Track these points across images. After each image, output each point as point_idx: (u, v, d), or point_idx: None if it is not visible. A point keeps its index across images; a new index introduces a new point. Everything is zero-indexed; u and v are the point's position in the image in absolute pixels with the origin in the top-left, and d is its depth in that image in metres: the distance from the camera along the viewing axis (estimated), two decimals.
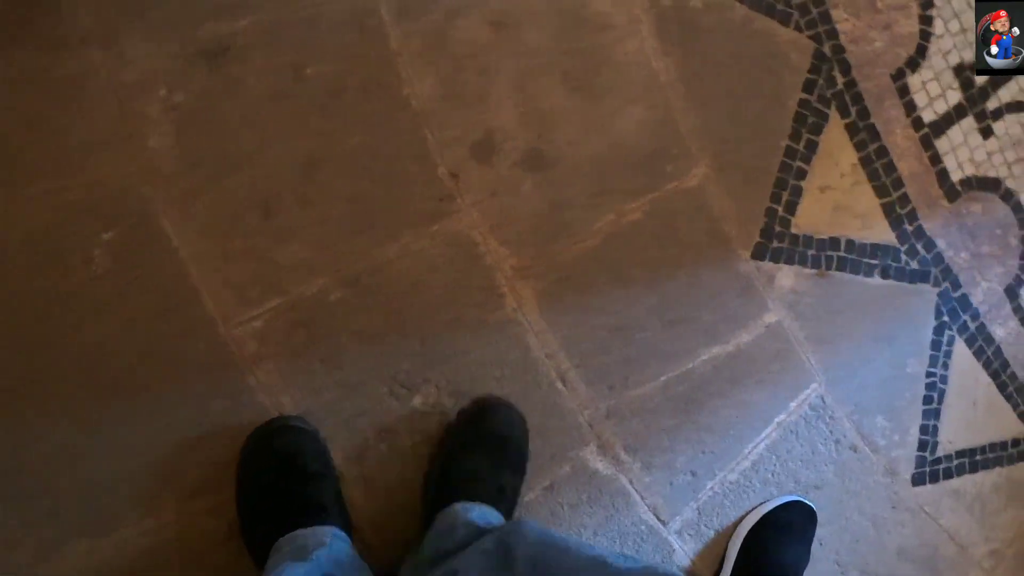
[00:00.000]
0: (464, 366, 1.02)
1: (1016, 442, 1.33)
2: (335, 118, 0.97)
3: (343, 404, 0.96)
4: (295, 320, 0.95)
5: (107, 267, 0.90)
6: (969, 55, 1.27)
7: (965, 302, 1.28)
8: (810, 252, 1.18)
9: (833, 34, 1.19)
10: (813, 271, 1.18)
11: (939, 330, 1.26)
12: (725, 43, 1.14)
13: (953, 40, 1.26)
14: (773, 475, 1.17)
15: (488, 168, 1.03)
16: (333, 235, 0.97)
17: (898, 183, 1.23)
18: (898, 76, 1.23)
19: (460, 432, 0.99)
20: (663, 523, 1.11)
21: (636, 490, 1.10)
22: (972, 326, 1.28)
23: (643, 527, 1.10)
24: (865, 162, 1.21)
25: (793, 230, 1.17)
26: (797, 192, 1.17)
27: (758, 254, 1.15)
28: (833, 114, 1.19)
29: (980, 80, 1.28)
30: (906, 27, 1.24)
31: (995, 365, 1.31)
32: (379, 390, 0.98)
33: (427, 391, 1.00)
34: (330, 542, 0.84)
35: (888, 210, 1.23)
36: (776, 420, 1.17)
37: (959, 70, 1.27)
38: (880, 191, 1.22)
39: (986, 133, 1.28)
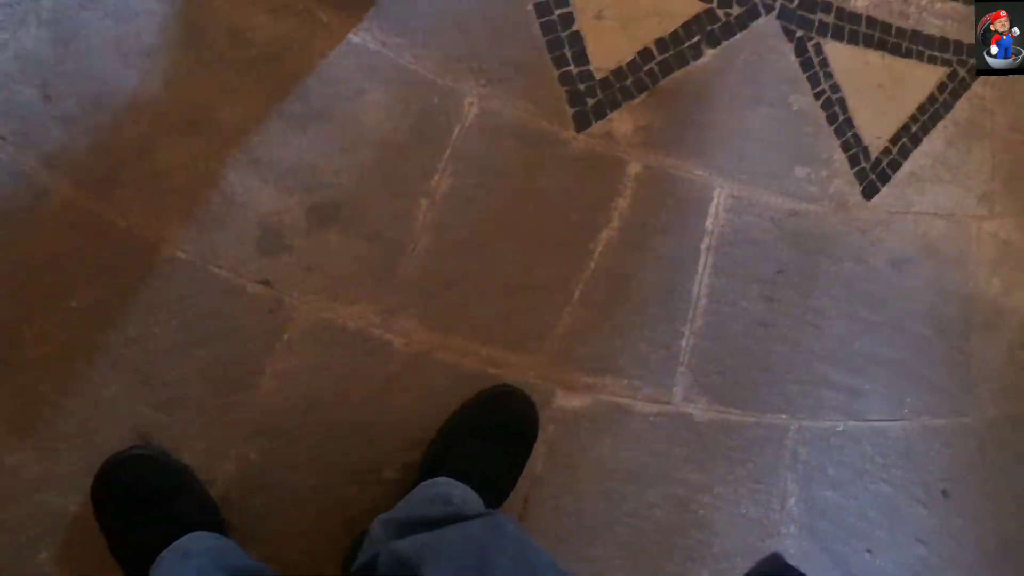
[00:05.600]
0: (402, 425, 0.91)
1: (941, 87, 1.10)
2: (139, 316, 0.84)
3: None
4: (249, 489, 0.86)
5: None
6: None
7: (808, 3, 1.03)
8: (628, 82, 0.96)
9: None
10: (643, 96, 0.97)
11: (800, 48, 1.03)
12: None
13: None
14: (733, 290, 1.02)
15: (287, 253, 0.87)
16: (213, 421, 0.85)
17: None
18: None
19: (472, 414, 0.89)
20: (668, 403, 0.99)
21: (623, 396, 0.98)
22: (830, 19, 1.04)
23: (652, 418, 0.99)
24: None
25: (598, 75, 0.95)
26: (577, 40, 0.94)
27: (582, 123, 0.95)
28: None
29: None
30: None
31: (875, 35, 1.06)
32: (347, 491, 0.89)
33: (393, 461, 0.90)
34: (215, 543, 0.77)
35: None
36: (703, 247, 1.00)
37: None
38: None
39: None
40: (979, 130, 1.11)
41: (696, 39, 0.98)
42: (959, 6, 1.09)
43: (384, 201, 0.89)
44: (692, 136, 0.99)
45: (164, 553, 0.75)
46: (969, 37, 1.10)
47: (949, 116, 1.09)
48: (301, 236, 0.87)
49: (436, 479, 0.83)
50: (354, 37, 0.88)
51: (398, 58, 0.89)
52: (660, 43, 0.97)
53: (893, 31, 1.06)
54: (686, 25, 0.98)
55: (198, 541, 0.76)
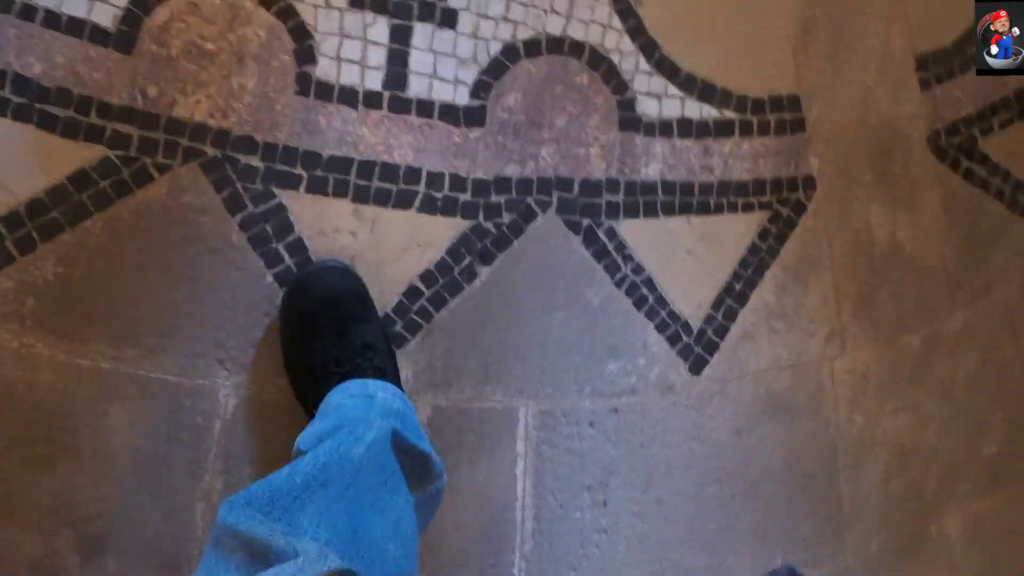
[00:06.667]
0: None
1: (763, 234, 0.98)
2: None
3: None
4: None
5: None
6: None
7: (591, 187, 0.92)
8: (397, 328, 0.88)
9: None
10: (418, 338, 0.89)
11: (590, 238, 0.92)
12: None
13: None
14: (561, 504, 0.95)
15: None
16: None
17: (414, 176, 0.87)
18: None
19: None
20: None
21: None
22: (619, 198, 0.93)
23: None
24: (368, 197, 0.86)
25: None
26: None
27: None
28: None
29: None
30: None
31: (676, 200, 0.95)
32: None
33: None
34: (401, 406, 0.74)
35: (430, 205, 0.88)
36: (519, 472, 0.93)
37: None
38: (391, 201, 0.87)
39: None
40: (815, 266, 1.00)
41: (467, 261, 0.88)
42: (770, 140, 0.97)
43: (157, 516, 0.84)
44: (481, 363, 0.90)
45: (350, 382, 0.74)
46: (787, 170, 0.98)
47: (777, 262, 0.98)
48: (76, 573, 0.83)
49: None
50: (82, 361, 0.81)
51: (136, 370, 0.82)
52: (426, 276, 0.88)
53: (696, 189, 0.95)
54: (452, 249, 0.88)
55: (384, 391, 0.73)
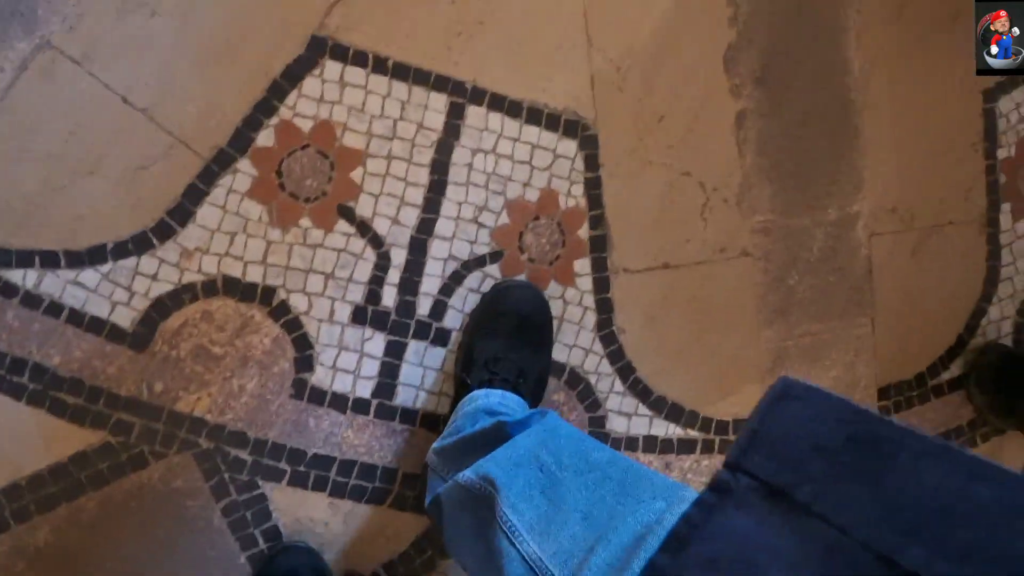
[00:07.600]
0: None
1: None
2: None
3: None
4: None
5: None
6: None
7: None
8: None
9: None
10: None
11: None
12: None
13: None
14: None
15: None
16: None
17: (390, 476, 0.93)
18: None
19: (479, 316, 0.90)
20: None
21: None
22: None
23: None
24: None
25: None
26: None
27: None
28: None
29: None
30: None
31: None
32: None
33: None
34: None
35: (401, 502, 0.94)
36: None
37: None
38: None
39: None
40: None
41: (429, 554, 0.94)
42: None
43: None
44: None
45: None
46: None
47: None
48: None
49: (472, 393, 0.83)
50: None
51: None
52: (389, 566, 0.93)
53: None
54: (416, 542, 0.94)
55: None
